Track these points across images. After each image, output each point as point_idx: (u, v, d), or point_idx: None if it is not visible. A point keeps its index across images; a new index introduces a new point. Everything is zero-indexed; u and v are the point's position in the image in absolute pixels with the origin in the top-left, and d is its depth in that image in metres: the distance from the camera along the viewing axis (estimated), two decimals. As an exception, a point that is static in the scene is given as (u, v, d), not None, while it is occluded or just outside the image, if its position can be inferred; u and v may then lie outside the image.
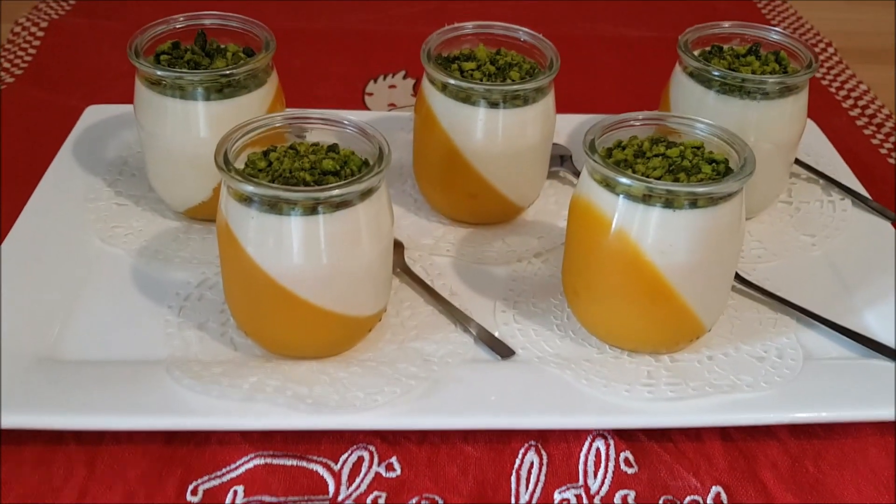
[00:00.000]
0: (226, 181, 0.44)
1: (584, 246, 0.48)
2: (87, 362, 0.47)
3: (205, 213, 0.58)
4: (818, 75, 0.88)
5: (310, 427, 0.44)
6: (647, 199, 0.45)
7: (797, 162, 0.67)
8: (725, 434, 0.47)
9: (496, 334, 0.51)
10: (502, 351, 0.50)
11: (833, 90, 0.85)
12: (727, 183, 0.44)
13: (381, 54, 0.85)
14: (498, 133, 0.56)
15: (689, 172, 0.46)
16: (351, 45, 0.87)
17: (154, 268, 0.54)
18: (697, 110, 0.58)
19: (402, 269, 0.56)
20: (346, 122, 0.48)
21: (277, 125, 0.48)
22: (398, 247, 0.57)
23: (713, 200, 0.45)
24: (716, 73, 0.56)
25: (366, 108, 0.77)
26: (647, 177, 0.46)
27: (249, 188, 0.43)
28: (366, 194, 0.45)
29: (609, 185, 0.46)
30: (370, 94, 0.80)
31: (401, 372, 0.47)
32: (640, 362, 0.49)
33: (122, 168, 0.63)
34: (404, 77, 0.82)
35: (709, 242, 0.46)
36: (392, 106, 0.78)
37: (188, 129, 0.54)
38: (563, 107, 0.71)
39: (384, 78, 0.82)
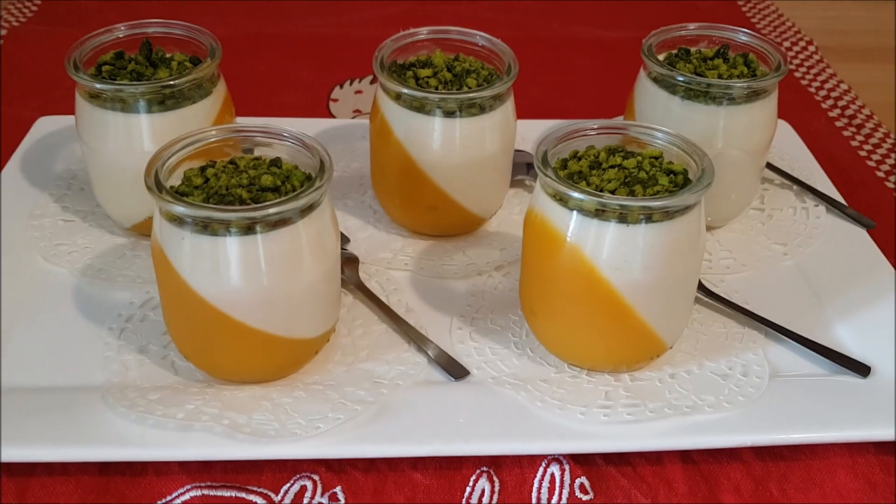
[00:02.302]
0: (156, 202, 0.42)
1: (539, 262, 0.47)
2: (21, 389, 0.46)
3: (151, 229, 0.56)
4: (797, 75, 0.86)
5: (247, 457, 0.43)
6: (600, 213, 0.43)
7: (770, 167, 0.66)
8: (686, 456, 0.46)
9: (451, 353, 0.49)
10: (456, 371, 0.48)
11: (812, 90, 0.84)
12: (683, 196, 0.43)
13: (348, 58, 0.84)
14: (455, 143, 0.54)
15: (646, 184, 0.45)
16: (318, 49, 0.86)
17: (97, 287, 0.53)
18: (663, 117, 0.56)
19: (356, 284, 0.54)
20: (284, 133, 0.46)
21: (213, 139, 0.46)
22: (352, 261, 0.56)
23: (669, 214, 0.43)
24: (680, 79, 0.55)
25: (330, 115, 0.76)
26: (602, 190, 0.44)
27: (180, 209, 0.41)
28: (306, 211, 0.43)
29: (562, 200, 0.44)
30: (335, 101, 0.78)
31: (347, 396, 0.46)
32: (599, 382, 0.48)
33: (71, 182, 0.61)
34: (371, 82, 0.80)
35: (666, 258, 0.44)
36: (357, 112, 0.76)
37: (130, 143, 0.53)
38: (533, 111, 0.70)
39: (350, 83, 0.81)
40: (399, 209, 0.59)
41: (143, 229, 0.57)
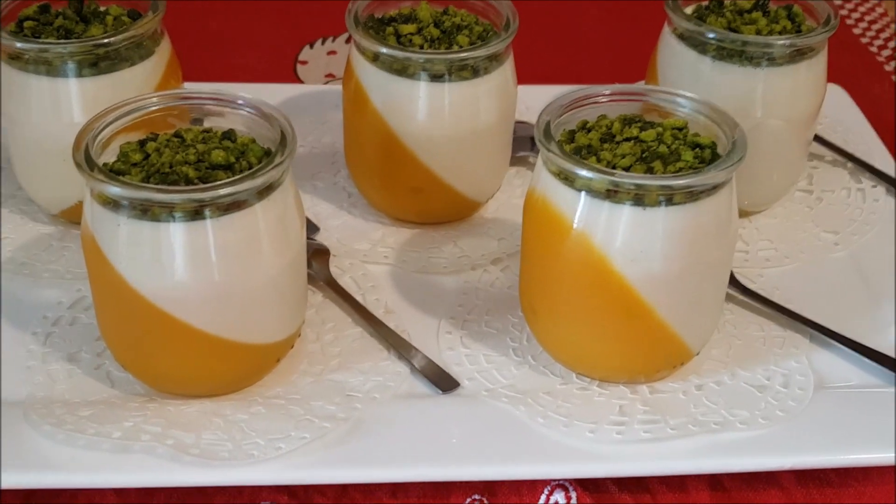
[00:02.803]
0: (86, 181, 0.43)
1: (541, 253, 0.47)
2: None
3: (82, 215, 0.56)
4: (857, 31, 0.86)
5: (196, 483, 0.43)
6: (612, 195, 0.44)
7: (820, 141, 0.66)
8: (715, 482, 0.46)
9: (438, 362, 0.50)
10: (444, 383, 0.49)
11: (875, 49, 0.84)
12: (709, 173, 0.43)
13: (319, 13, 0.84)
14: (444, 113, 0.55)
15: (667, 160, 0.45)
16: (283, 2, 0.86)
17: (19, 284, 0.53)
18: (691, 82, 0.56)
19: (326, 281, 0.54)
20: (239, 101, 0.47)
21: (154, 108, 0.46)
22: (322, 253, 0.56)
23: (693, 195, 0.44)
24: (711, 36, 0.55)
25: (298, 80, 0.76)
26: (615, 167, 0.45)
27: (114, 189, 0.41)
28: (265, 192, 0.44)
29: (567, 179, 0.45)
30: (304, 63, 0.78)
31: (314, 412, 0.46)
32: (613, 394, 0.48)
33: (-11, 161, 0.62)
34: (347, 41, 0.81)
35: (690, 247, 0.44)
36: (330, 77, 0.77)
37: (58, 112, 0.53)
38: (537, 76, 0.70)
39: (322, 42, 0.81)
40: (378, 191, 0.59)
41: (73, 216, 0.57)
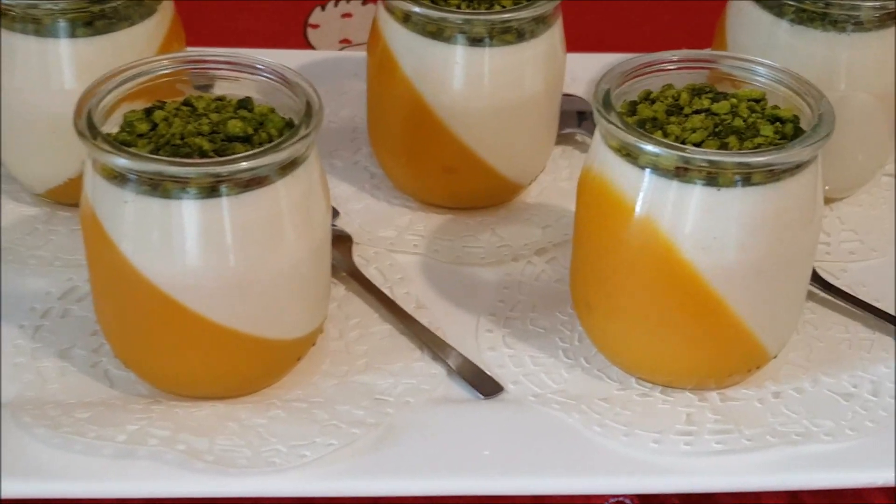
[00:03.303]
0: (90, 152, 0.45)
1: (598, 240, 0.49)
2: None
3: (74, 196, 0.57)
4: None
5: (210, 494, 0.45)
6: (681, 173, 0.45)
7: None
8: (796, 499, 0.48)
9: (479, 364, 0.51)
10: (486, 386, 0.50)
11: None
12: (793, 149, 0.45)
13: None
14: (483, 81, 0.57)
15: (743, 135, 0.47)
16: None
17: (2, 273, 0.55)
18: (765, 48, 0.58)
19: (348, 271, 0.56)
20: (259, 65, 0.48)
21: (165, 71, 0.48)
22: (344, 241, 0.58)
23: (775, 175, 0.45)
24: (789, -4, 0.57)
25: (308, 45, 0.78)
26: (684, 142, 0.46)
27: (122, 162, 0.43)
28: (288, 168, 0.45)
29: (630, 155, 0.46)
30: (315, 27, 0.80)
31: (341, 416, 0.48)
32: (678, 402, 0.50)
33: (-39, 133, 0.64)
34: (364, 2, 0.83)
35: (770, 234, 0.46)
36: (345, 43, 0.79)
37: (47, 78, 0.55)
38: (588, 43, 0.72)
39: (335, 3, 0.83)
40: (406, 171, 0.61)
41: (61, 196, 0.59)
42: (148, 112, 0.47)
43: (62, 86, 0.55)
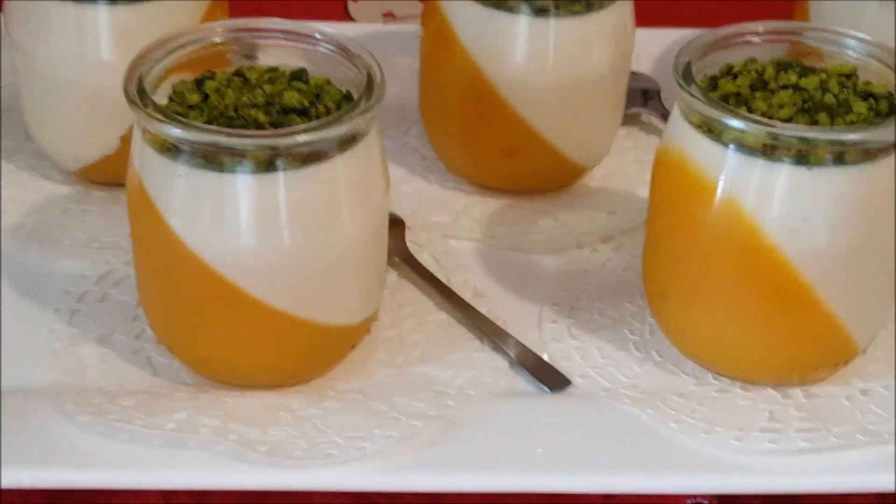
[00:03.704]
0: (140, 121, 0.46)
1: (676, 223, 0.50)
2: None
3: (109, 174, 0.60)
4: None
5: (264, 486, 0.46)
6: (769, 151, 0.46)
7: None
8: (885, 502, 0.48)
9: (543, 356, 0.53)
10: (552, 380, 0.51)
11: None
12: (889, 127, 0.46)
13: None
14: (548, 55, 0.58)
15: (835, 112, 0.48)
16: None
17: (34, 255, 0.57)
18: (851, 20, 0.59)
19: (401, 257, 0.58)
20: (317, 35, 0.50)
21: (217, 40, 0.49)
22: (396, 225, 0.59)
23: (869, 154, 0.46)
24: (878, -35, 0.58)
25: (349, 19, 0.79)
26: (771, 118, 0.47)
27: (176, 132, 0.44)
28: (347, 143, 0.46)
29: (712, 132, 0.47)
30: (356, 0, 0.82)
31: (399, 408, 0.49)
32: (760, 398, 0.50)
33: (-11, 105, 0.65)
34: (409, -26, 0.84)
35: (863, 217, 0.47)
36: (389, 16, 0.80)
37: (84, 47, 0.56)
38: (657, 16, 0.73)
39: (378, -24, 0.84)
40: (462, 153, 0.62)
41: (94, 174, 0.60)
42: (198, 83, 0.48)
43: (99, 55, 0.56)
